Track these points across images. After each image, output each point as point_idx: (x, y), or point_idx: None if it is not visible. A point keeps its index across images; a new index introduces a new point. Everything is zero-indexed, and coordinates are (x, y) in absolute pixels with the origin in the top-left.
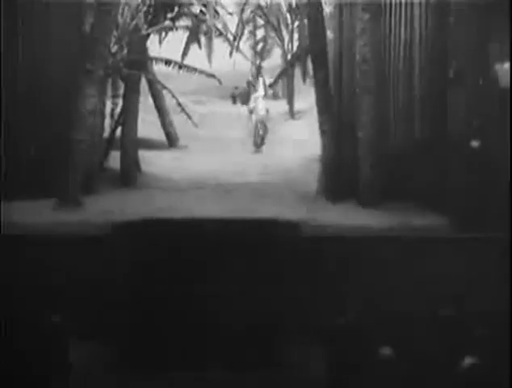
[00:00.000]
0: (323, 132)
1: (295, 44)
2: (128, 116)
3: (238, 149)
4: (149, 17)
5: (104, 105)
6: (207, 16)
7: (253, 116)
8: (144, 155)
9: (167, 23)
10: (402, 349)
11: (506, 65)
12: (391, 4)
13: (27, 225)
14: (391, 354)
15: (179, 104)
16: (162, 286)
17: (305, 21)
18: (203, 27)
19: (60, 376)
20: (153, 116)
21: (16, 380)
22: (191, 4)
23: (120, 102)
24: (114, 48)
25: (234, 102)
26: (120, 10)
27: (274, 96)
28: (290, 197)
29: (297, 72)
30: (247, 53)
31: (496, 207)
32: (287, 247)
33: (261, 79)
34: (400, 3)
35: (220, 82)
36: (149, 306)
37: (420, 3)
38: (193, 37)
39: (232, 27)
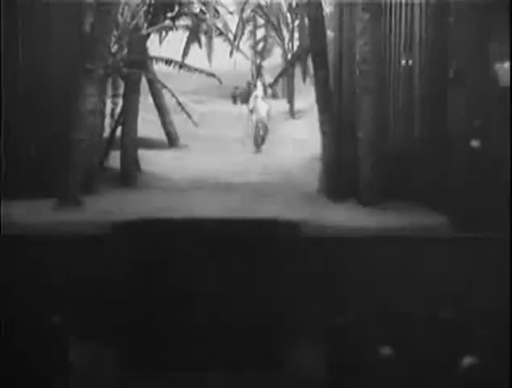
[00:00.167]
0: (323, 132)
1: (296, 43)
2: (128, 116)
3: (238, 148)
4: (149, 16)
5: (104, 105)
6: (208, 15)
7: (254, 116)
8: (145, 155)
9: (167, 22)
10: (402, 349)
11: (506, 65)
12: (391, 4)
13: (27, 225)
14: (391, 354)
15: (179, 103)
16: (162, 286)
17: (305, 20)
18: (204, 27)
19: (60, 376)
20: (153, 116)
21: (16, 380)
22: (191, 3)
23: (120, 101)
24: (114, 48)
25: (235, 101)
26: (120, 10)
27: (274, 96)
28: (290, 197)
29: (297, 71)
30: (247, 53)
31: (496, 207)
32: (287, 247)
33: (261, 79)
34: (401, 3)
35: (220, 81)
36: (149, 306)
37: (420, 3)
38: (193, 37)
39: (233, 27)
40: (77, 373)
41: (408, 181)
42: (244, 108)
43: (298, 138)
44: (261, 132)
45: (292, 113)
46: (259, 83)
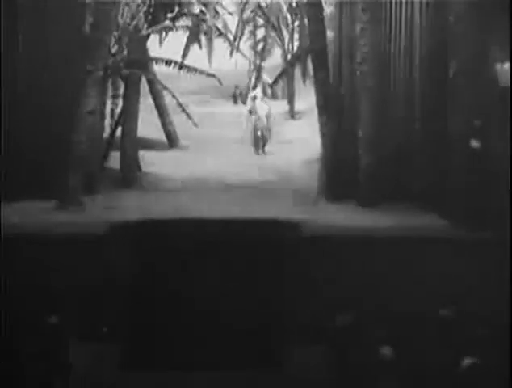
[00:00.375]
0: (323, 133)
1: (296, 43)
2: (128, 116)
3: (239, 149)
4: (149, 17)
5: (104, 105)
6: (208, 16)
7: (253, 118)
8: (145, 155)
9: (167, 23)
10: (402, 349)
11: (506, 65)
12: (391, 4)
13: (27, 226)
14: (391, 354)
15: (179, 104)
16: (162, 286)
17: (305, 21)
18: (204, 27)
19: (59, 376)
20: (154, 116)
21: (16, 380)
22: (191, 4)
23: (120, 102)
24: (114, 49)
25: (235, 101)
26: (120, 11)
27: (274, 96)
28: (290, 197)
29: (297, 72)
30: (247, 53)
31: (496, 207)
32: (287, 247)
33: (260, 80)
34: (401, 3)
35: (220, 82)
36: (149, 306)
37: (420, 3)
38: (193, 37)
39: (233, 27)
40: (76, 373)
41: (408, 181)
42: (244, 108)
43: (298, 139)
44: (261, 134)
45: (292, 114)
46: (258, 84)
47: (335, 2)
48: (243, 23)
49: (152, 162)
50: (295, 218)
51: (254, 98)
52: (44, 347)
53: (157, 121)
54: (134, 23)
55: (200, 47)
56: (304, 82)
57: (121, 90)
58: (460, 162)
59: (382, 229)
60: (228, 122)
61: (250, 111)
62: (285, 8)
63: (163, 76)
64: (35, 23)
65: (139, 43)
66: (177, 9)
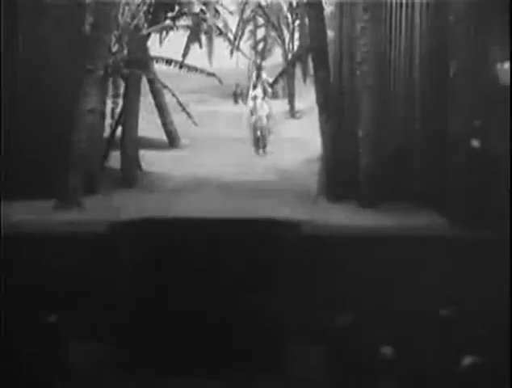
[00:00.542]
0: (323, 132)
1: (296, 43)
2: (128, 116)
3: (239, 148)
4: (150, 16)
5: (105, 104)
6: (208, 15)
7: (253, 117)
8: (145, 155)
9: (168, 22)
10: (402, 349)
11: (506, 65)
12: (391, 4)
13: (27, 225)
14: (391, 354)
15: (180, 103)
16: (162, 286)
17: (306, 20)
18: (204, 27)
19: (59, 376)
20: (154, 116)
21: (16, 380)
22: (192, 3)
23: (121, 101)
24: (114, 48)
25: (236, 100)
26: (121, 10)
27: (274, 95)
28: (290, 197)
29: (298, 71)
30: (248, 53)
31: (496, 207)
32: (287, 247)
33: (260, 80)
34: (401, 3)
35: (220, 81)
36: (149, 306)
37: (420, 3)
38: (194, 36)
39: (233, 27)
40: (76, 373)
41: (408, 181)
42: (245, 108)
43: (298, 138)
44: (260, 134)
45: (293, 113)
46: (259, 83)
47: (335, 1)
48: (243, 22)
49: (152, 161)
50: (295, 218)
51: (255, 98)
52: (44, 347)
53: (158, 120)
54: (134, 22)
55: (201, 46)
56: (305, 81)
57: (121, 90)
58: (460, 162)
59: (382, 229)
60: (229, 121)
61: (251, 112)
62: (285, 7)
63: (163, 75)
64: (35, 23)
65: (139, 42)
66: (177, 8)
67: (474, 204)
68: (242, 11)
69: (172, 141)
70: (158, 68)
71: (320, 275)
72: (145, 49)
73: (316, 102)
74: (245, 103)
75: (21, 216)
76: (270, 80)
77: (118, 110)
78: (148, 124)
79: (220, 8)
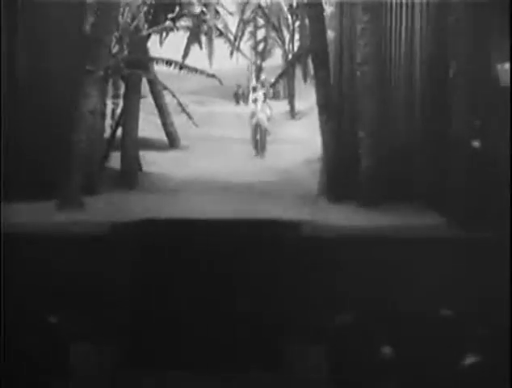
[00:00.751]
0: (324, 132)
1: (296, 44)
2: (128, 117)
3: (239, 149)
4: (150, 17)
5: (105, 105)
6: (208, 16)
7: (253, 120)
8: (145, 155)
9: (168, 23)
10: (402, 349)
11: (506, 65)
12: (391, 4)
13: (27, 226)
14: (391, 354)
15: (180, 104)
16: (162, 286)
17: (306, 21)
18: (204, 28)
19: (59, 377)
20: (154, 116)
21: (16, 380)
22: (192, 4)
23: (121, 102)
24: (115, 49)
25: (237, 101)
26: (121, 11)
27: (275, 96)
28: (290, 197)
29: (298, 72)
30: (248, 54)
31: (496, 207)
32: (287, 247)
33: (261, 81)
34: (401, 3)
35: (220, 82)
36: (150, 306)
37: (420, 3)
38: (194, 37)
39: (233, 28)
40: (76, 373)
41: (408, 181)
42: (246, 109)
43: (298, 139)
44: (259, 137)
45: (293, 114)
46: (259, 86)
47: (336, 2)
48: (244, 23)
49: (152, 162)
50: (295, 218)
51: (255, 99)
52: (44, 347)
53: (158, 121)
54: (135, 23)
55: (201, 47)
56: (305, 81)
57: (122, 91)
58: (460, 162)
59: (382, 229)
60: (229, 122)
61: (252, 113)
62: (285, 8)
63: (164, 76)
64: (35, 23)
65: (139, 43)
66: (177, 9)
67: (474, 204)
68: (242, 12)
69: (172, 141)
70: (158, 69)
71: (320, 275)
72: (145, 50)
73: (317, 102)
74: (246, 104)
75: (21, 216)
76: (272, 80)
77: (118, 111)
78: (148, 125)
79: (220, 9)
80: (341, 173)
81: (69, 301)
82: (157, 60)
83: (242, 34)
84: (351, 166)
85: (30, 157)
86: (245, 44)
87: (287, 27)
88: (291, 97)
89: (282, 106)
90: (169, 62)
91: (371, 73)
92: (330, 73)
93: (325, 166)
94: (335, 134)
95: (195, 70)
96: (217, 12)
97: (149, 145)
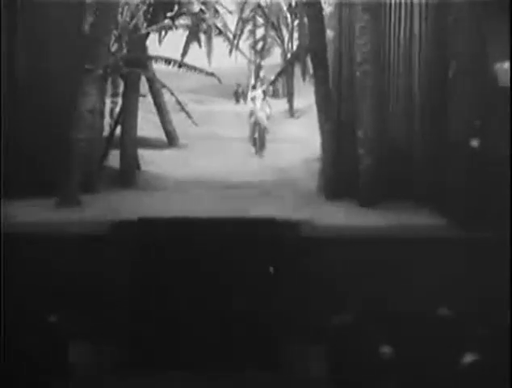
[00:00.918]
0: (323, 132)
1: (295, 42)
2: (127, 115)
3: (238, 148)
4: (149, 16)
5: (104, 104)
6: (207, 15)
7: (252, 118)
8: (144, 154)
9: (167, 21)
10: (402, 349)
11: (506, 65)
12: (391, 4)
13: (26, 225)
14: (391, 353)
15: (179, 103)
16: (162, 286)
17: (305, 20)
18: (203, 26)
19: (59, 377)
20: (153, 115)
21: (16, 380)
22: (191, 3)
23: (120, 101)
24: (114, 47)
25: (237, 100)
26: (120, 10)
27: (275, 94)
28: (289, 197)
29: (297, 71)
30: (247, 52)
31: (496, 207)
32: (287, 247)
33: (260, 80)
34: (400, 3)
35: (219, 80)
36: (149, 306)
37: (420, 3)
38: (193, 36)
39: (232, 26)
40: (76, 373)
41: (408, 181)
42: (245, 107)
43: (297, 138)
44: (258, 135)
45: (292, 112)
46: (258, 84)
47: (335, 1)
48: (243, 21)
49: (151, 160)
50: (294, 218)
51: (254, 98)
52: (44, 347)
53: (157, 120)
54: (134, 21)
55: (200, 46)
56: (304, 80)
57: (121, 89)
58: (460, 162)
59: (382, 229)
60: (228, 121)
61: (251, 112)
62: (285, 7)
63: (163, 75)
64: (35, 23)
65: (138, 42)
66: (176, 8)
67: (474, 204)
68: (241, 11)
69: (171, 140)
70: (157, 67)
71: (319, 275)
72: (144, 49)
73: (316, 101)
74: (246, 102)
75: (21, 215)
76: (271, 78)
77: (117, 109)
78: (147, 124)
79: (219, 7)
80: (340, 172)
81: (68, 301)
82: (156, 58)
83: (241, 33)
84: (350, 165)
85: (29, 156)
86: (245, 43)
87: (287, 26)
88: (290, 96)
89: (281, 104)
90: (168, 61)
91: (371, 72)
92: (329, 73)
93: (323, 165)
94: (334, 133)
95: (194, 69)
96: (216, 11)
97: (148, 143)
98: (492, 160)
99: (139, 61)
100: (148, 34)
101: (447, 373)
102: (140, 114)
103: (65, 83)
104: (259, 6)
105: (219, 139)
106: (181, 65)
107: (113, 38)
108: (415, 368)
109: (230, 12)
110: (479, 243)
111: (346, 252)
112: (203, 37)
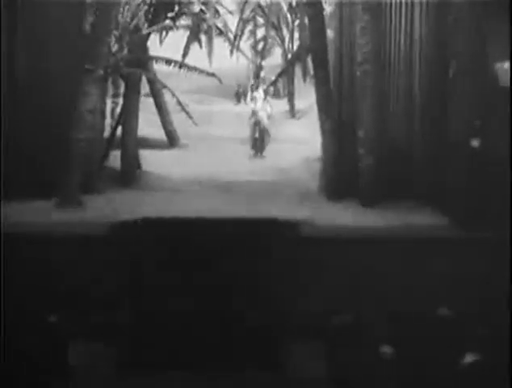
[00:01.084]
0: (324, 132)
1: (296, 43)
2: (128, 115)
3: (239, 148)
4: (150, 16)
5: (105, 104)
6: (208, 15)
7: (253, 119)
8: (145, 154)
9: (167, 22)
10: (402, 349)
11: (506, 65)
12: (391, 4)
13: (27, 225)
14: (391, 353)
15: (179, 103)
16: (162, 286)
17: (306, 20)
18: (204, 26)
19: (59, 377)
20: (154, 115)
21: (16, 380)
22: (192, 3)
23: (121, 101)
24: (114, 48)
25: (238, 100)
26: (121, 10)
27: (276, 95)
28: (290, 197)
29: (298, 71)
30: (247, 52)
31: (496, 207)
32: (287, 247)
33: (260, 80)
34: (401, 3)
35: (220, 81)
36: (149, 306)
37: (420, 3)
38: (193, 36)
39: (233, 26)
40: (76, 373)
41: (408, 181)
42: (246, 108)
43: (298, 138)
44: (259, 136)
45: (293, 113)
46: (259, 84)
47: (335, 1)
48: (243, 22)
49: (152, 161)
50: (295, 218)
51: (255, 98)
52: (44, 347)
53: (158, 120)
54: (134, 22)
55: (200, 46)
56: (305, 80)
57: (121, 90)
58: (460, 162)
59: (383, 229)
60: (229, 121)
61: (251, 112)
62: (285, 8)
63: (163, 75)
64: (35, 23)
65: (139, 42)
66: (177, 8)
67: (474, 204)
68: (242, 11)
69: (172, 140)
70: (158, 68)
71: (319, 274)
72: (145, 49)
73: (316, 102)
74: (246, 103)
75: (21, 215)
76: (272, 78)
77: (118, 110)
78: (148, 124)
79: (219, 8)
80: (341, 172)
81: (68, 301)
82: (157, 59)
83: (242, 33)
84: (351, 165)
85: (29, 156)
86: (245, 43)
87: (287, 26)
88: (290, 96)
89: (281, 105)
90: (168, 61)
91: (371, 72)
92: (330, 73)
93: (324, 165)
94: (335, 133)
95: (195, 69)
96: (217, 11)
97: (149, 144)
98: (492, 160)
99: (140, 61)
100: (149, 34)
101: (447, 373)
102: (141, 114)
103: (65, 83)
104: (259, 6)
105: (219, 139)
106: (182, 65)
107: (114, 38)
108: (415, 368)
109: (231, 12)
110: (479, 243)
111: (347, 252)
112: (203, 38)
